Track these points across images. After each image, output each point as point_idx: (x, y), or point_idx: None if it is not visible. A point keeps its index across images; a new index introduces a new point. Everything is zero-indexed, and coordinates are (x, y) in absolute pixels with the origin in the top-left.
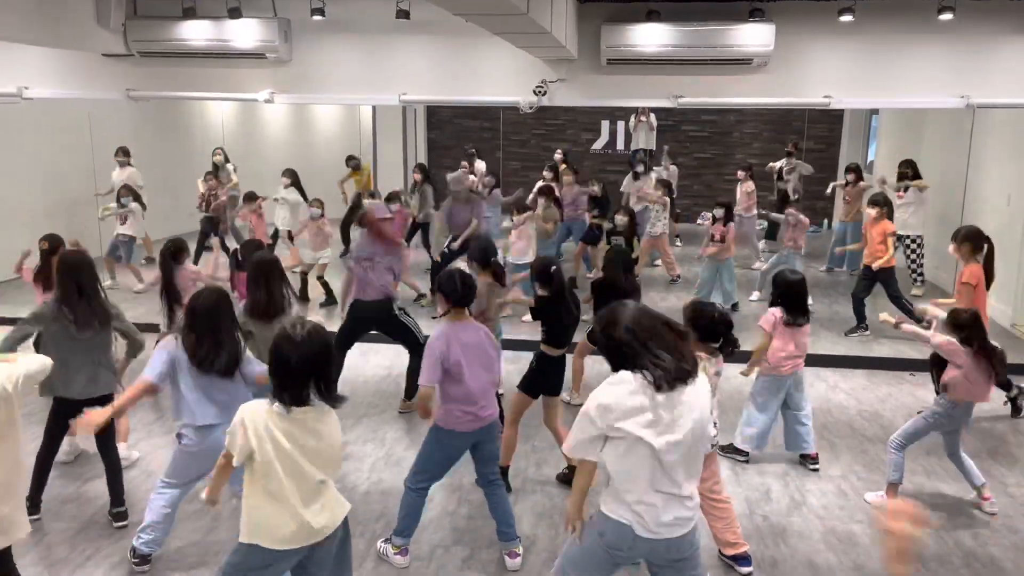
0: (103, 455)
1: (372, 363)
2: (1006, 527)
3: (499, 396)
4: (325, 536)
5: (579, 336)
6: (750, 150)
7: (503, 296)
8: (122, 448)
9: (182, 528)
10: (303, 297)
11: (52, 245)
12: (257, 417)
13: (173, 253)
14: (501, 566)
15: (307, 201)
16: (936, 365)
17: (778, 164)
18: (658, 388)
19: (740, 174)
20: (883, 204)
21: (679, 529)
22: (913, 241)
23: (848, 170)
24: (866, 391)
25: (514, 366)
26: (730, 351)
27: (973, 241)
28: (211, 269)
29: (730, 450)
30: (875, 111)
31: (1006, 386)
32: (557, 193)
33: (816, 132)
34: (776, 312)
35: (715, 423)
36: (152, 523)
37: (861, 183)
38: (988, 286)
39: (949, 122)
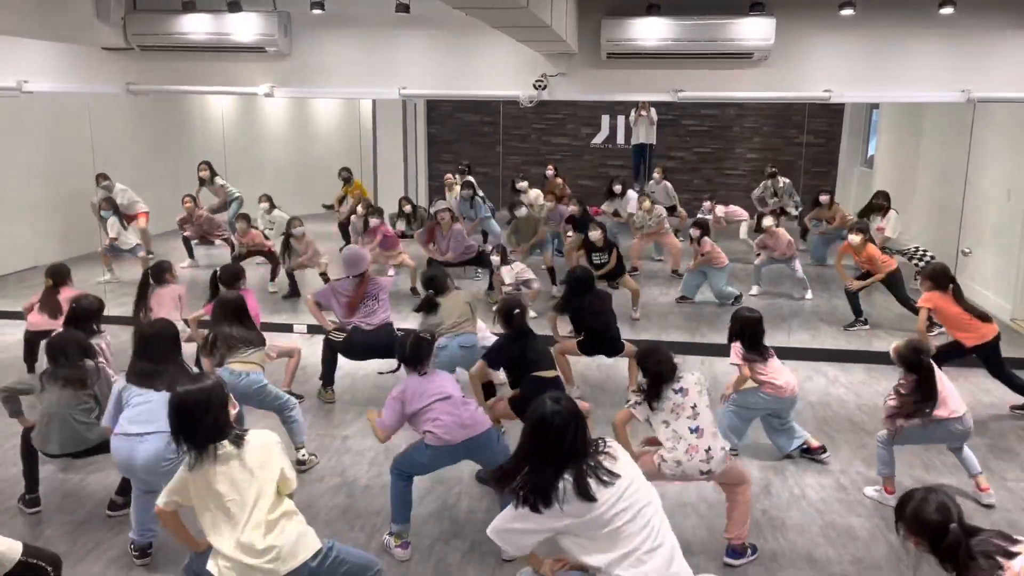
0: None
1: (372, 359)
2: (1005, 521)
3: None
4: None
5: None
6: (750, 144)
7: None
8: None
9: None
10: (294, 292)
11: (55, 280)
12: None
13: (155, 274)
14: (501, 561)
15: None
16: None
17: (757, 192)
18: None
19: (769, 221)
20: (865, 230)
21: None
22: (918, 251)
23: (823, 192)
24: (865, 385)
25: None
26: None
27: (935, 280)
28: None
29: None
30: (875, 105)
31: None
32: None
33: (816, 126)
34: (736, 347)
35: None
36: (133, 514)
37: (836, 204)
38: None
39: (949, 116)
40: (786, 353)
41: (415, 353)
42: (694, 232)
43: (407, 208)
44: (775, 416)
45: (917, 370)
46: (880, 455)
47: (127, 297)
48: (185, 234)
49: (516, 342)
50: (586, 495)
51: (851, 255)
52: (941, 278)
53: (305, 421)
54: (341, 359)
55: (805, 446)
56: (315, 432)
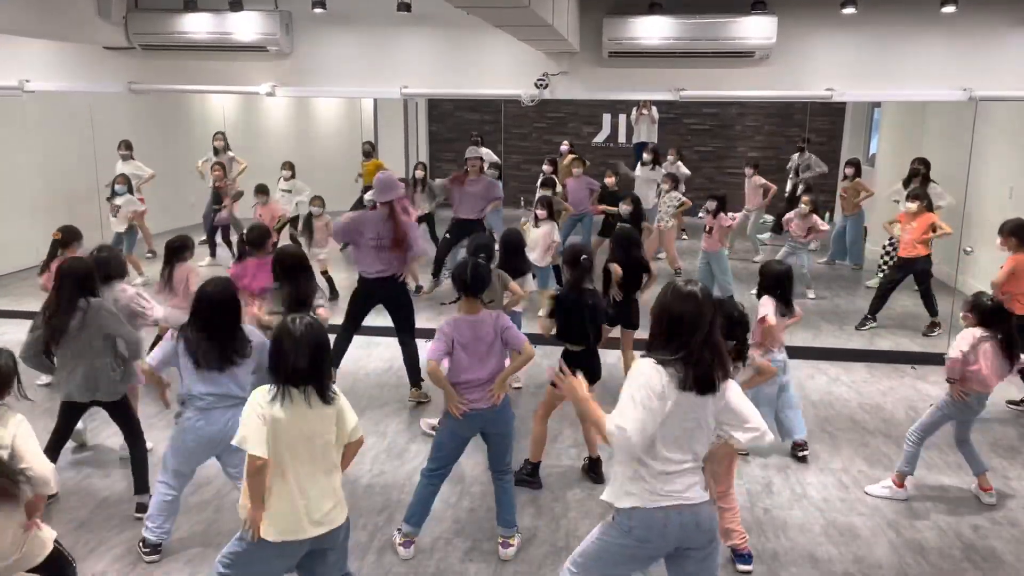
0: (130, 445)
1: (374, 356)
2: (1007, 520)
3: (518, 389)
4: (326, 531)
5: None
6: (752, 143)
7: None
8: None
9: (185, 519)
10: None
11: (65, 237)
12: (263, 407)
13: (175, 250)
14: (503, 560)
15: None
16: None
17: (792, 162)
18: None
19: (748, 171)
20: (923, 197)
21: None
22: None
23: (848, 164)
24: (867, 384)
25: (548, 360)
26: (739, 356)
27: (1019, 235)
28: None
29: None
30: (877, 104)
31: None
32: (559, 185)
33: (818, 125)
34: (768, 301)
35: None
36: (154, 513)
37: (858, 179)
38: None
39: (951, 115)
40: (788, 352)
41: (477, 281)
42: (711, 205)
43: (419, 173)
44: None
45: (1000, 326)
46: (908, 452)
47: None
48: (219, 218)
49: (574, 293)
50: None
51: (898, 226)
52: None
53: None
54: (353, 354)
55: (800, 441)
56: None
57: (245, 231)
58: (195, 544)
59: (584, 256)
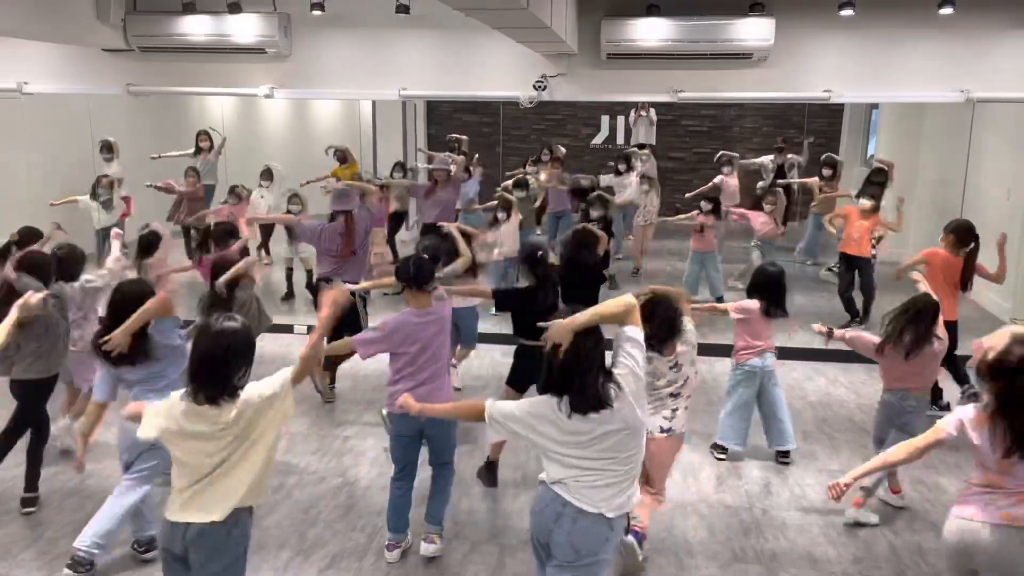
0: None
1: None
2: None
3: (458, 391)
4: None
5: None
6: (750, 144)
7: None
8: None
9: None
10: (289, 293)
11: (22, 238)
12: (171, 407)
13: (150, 242)
14: (502, 561)
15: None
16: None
17: (768, 162)
18: None
19: (725, 170)
20: (879, 197)
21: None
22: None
23: (825, 164)
24: (866, 385)
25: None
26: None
27: (959, 234)
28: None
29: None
30: (875, 105)
31: (961, 380)
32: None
33: (816, 126)
34: (752, 302)
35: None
36: (142, 511)
37: (832, 181)
38: (965, 286)
39: (949, 116)
40: (787, 353)
41: (419, 273)
42: (705, 205)
43: (398, 175)
44: (768, 403)
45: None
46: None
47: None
48: (181, 221)
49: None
50: None
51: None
52: (965, 232)
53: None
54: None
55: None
56: (316, 433)
57: (211, 226)
58: None
59: (540, 251)
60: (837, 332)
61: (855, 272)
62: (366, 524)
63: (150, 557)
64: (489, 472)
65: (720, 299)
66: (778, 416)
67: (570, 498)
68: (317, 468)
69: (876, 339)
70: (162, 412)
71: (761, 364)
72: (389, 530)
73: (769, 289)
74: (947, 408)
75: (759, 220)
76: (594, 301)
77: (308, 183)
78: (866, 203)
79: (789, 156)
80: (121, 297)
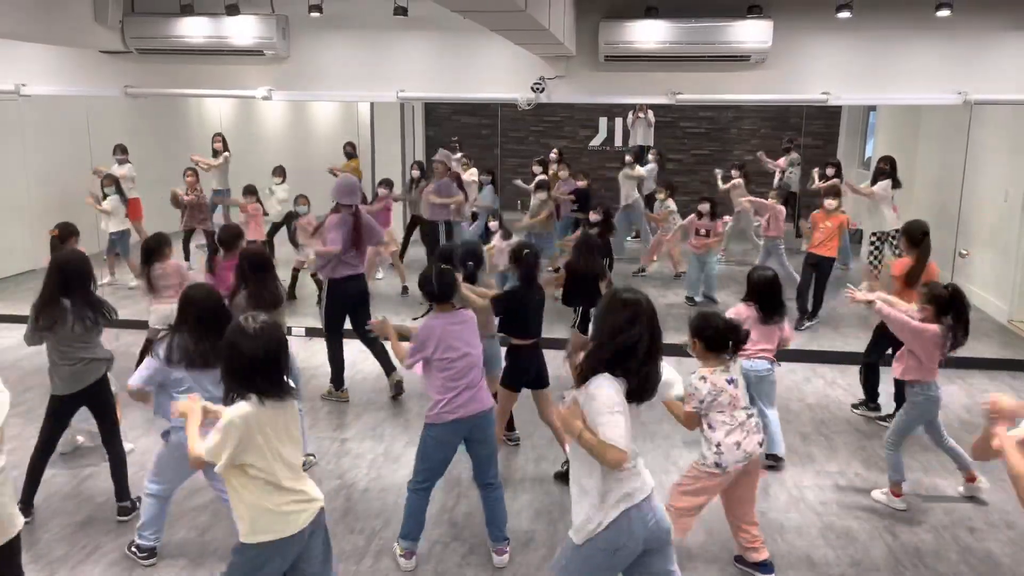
0: (108, 448)
1: (370, 360)
2: (1003, 522)
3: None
4: (321, 507)
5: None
6: (748, 146)
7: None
8: None
9: (181, 524)
10: (291, 294)
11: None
12: (246, 414)
13: (153, 248)
14: (496, 567)
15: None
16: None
17: (784, 162)
18: None
19: (735, 172)
20: (838, 195)
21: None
22: (879, 239)
23: (828, 164)
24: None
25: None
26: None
27: (909, 235)
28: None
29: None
30: (873, 107)
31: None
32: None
33: (814, 128)
34: (744, 308)
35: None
36: (146, 522)
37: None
38: (913, 281)
39: (946, 118)
40: (784, 355)
41: (444, 288)
42: (703, 208)
43: (415, 173)
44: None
45: (949, 309)
46: (892, 460)
47: (127, 299)
48: (183, 225)
49: (524, 292)
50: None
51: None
52: (912, 233)
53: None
54: (348, 357)
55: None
56: (314, 435)
57: (219, 230)
58: (191, 548)
59: (527, 251)
60: (878, 304)
61: (817, 271)
62: (364, 527)
63: (150, 564)
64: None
65: (713, 300)
66: (764, 421)
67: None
68: (315, 470)
69: (917, 323)
70: (242, 425)
71: (749, 366)
72: (410, 539)
73: (762, 293)
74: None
75: (781, 218)
76: (595, 303)
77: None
78: (831, 202)
79: (793, 155)
80: (189, 302)
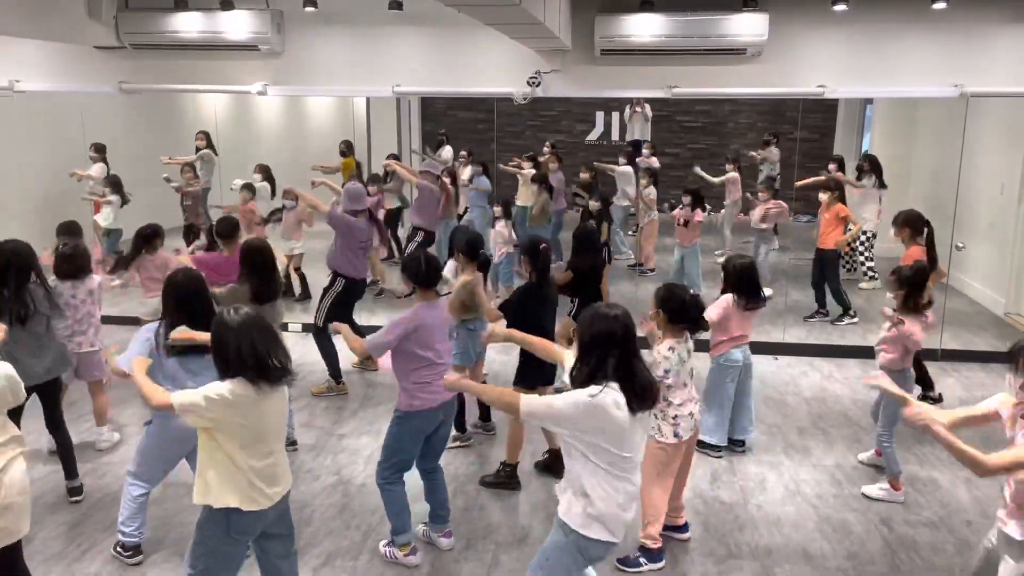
0: (53, 434)
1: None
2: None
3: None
4: (279, 499)
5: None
6: (744, 140)
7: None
8: (103, 430)
9: (173, 523)
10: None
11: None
12: (239, 394)
13: (147, 236)
14: (497, 558)
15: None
16: None
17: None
18: None
19: (729, 167)
20: (835, 188)
21: None
22: (868, 237)
23: (832, 161)
24: (860, 381)
25: (508, 357)
26: (696, 332)
27: (912, 225)
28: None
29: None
30: (869, 101)
31: (927, 385)
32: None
33: (810, 122)
34: (725, 298)
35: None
36: (128, 517)
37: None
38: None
39: (943, 111)
40: (782, 349)
41: (431, 273)
42: (686, 199)
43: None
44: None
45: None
46: (888, 454)
47: (120, 297)
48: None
49: (538, 289)
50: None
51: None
52: (916, 222)
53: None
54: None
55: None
56: (311, 431)
57: (215, 223)
58: (186, 545)
59: (543, 245)
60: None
61: (820, 266)
62: (361, 522)
63: (137, 562)
64: (510, 477)
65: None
66: (746, 405)
67: None
68: (312, 466)
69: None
70: (231, 402)
71: (743, 356)
72: (402, 532)
73: (741, 280)
74: None
75: (786, 213)
76: (597, 296)
77: (320, 167)
78: (823, 196)
79: (772, 150)
80: (170, 286)
